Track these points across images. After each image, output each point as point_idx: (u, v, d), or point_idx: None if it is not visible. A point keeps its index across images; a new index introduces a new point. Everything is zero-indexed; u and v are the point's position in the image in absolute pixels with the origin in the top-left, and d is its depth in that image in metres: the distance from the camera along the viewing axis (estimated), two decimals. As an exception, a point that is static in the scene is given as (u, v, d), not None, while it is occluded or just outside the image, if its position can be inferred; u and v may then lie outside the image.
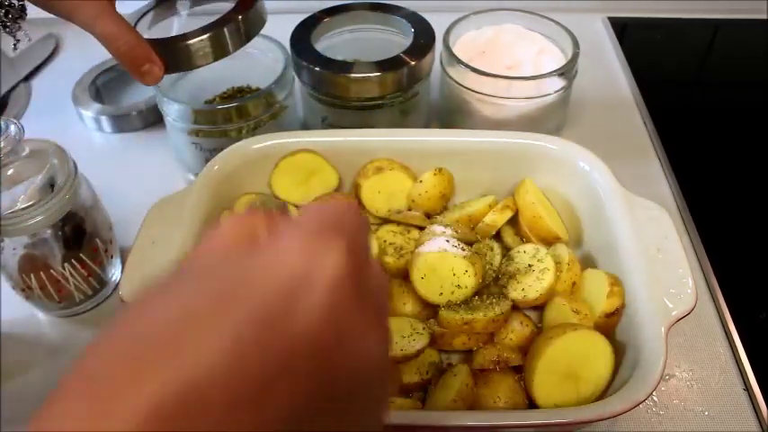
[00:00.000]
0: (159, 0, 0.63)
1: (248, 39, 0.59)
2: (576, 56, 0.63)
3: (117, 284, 0.58)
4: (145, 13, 0.62)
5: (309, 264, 0.23)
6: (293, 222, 0.26)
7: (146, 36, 0.58)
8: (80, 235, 0.53)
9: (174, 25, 0.64)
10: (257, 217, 0.26)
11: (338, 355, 0.22)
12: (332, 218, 0.26)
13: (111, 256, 0.57)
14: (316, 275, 0.22)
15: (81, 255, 0.53)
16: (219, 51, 0.57)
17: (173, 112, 0.61)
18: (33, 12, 0.92)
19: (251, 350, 0.20)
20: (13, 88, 0.80)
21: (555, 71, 0.62)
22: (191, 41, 0.55)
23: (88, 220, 0.53)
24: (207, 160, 0.62)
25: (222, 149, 0.57)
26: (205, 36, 0.56)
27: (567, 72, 0.62)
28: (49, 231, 0.50)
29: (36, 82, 0.82)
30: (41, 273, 0.51)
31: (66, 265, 0.52)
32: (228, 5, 0.60)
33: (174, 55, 0.56)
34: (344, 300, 0.23)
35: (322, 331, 0.22)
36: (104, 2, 0.51)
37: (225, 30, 0.57)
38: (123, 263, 0.58)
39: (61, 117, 0.76)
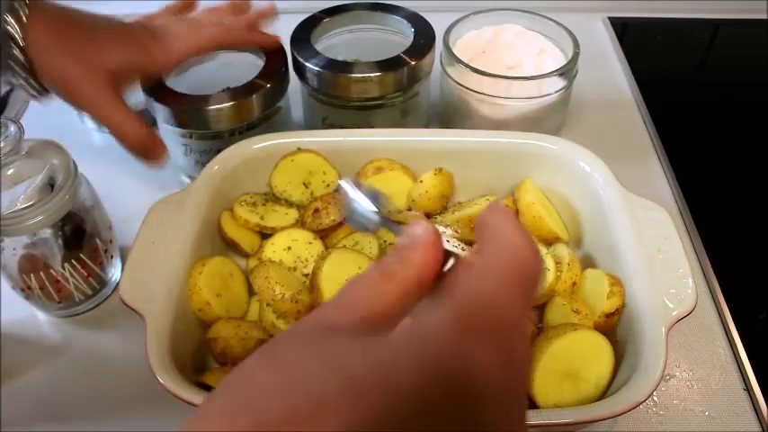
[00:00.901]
0: None
1: (273, 104, 0.61)
2: (576, 56, 0.63)
3: (117, 284, 0.58)
4: None
5: (462, 367, 0.21)
6: (440, 301, 0.23)
7: (170, 82, 0.59)
8: (80, 235, 0.53)
9: (201, 70, 0.65)
10: (392, 284, 0.24)
11: None
12: (491, 298, 0.23)
13: (111, 257, 0.57)
14: (469, 384, 0.20)
15: (81, 255, 0.53)
16: (245, 115, 0.59)
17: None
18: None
19: None
20: (13, 88, 0.80)
21: (555, 71, 0.62)
22: (216, 107, 0.57)
23: (88, 220, 0.53)
24: (198, 162, 0.62)
25: (214, 151, 0.57)
26: (230, 104, 0.57)
27: (567, 72, 0.62)
28: (49, 231, 0.50)
29: (36, 82, 0.82)
30: (41, 273, 0.51)
31: (66, 265, 0.52)
32: (254, 57, 0.63)
33: (197, 115, 0.58)
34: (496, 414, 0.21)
35: None
36: (109, 92, 0.52)
37: (253, 98, 0.58)
38: (123, 263, 0.58)
39: (61, 117, 0.76)
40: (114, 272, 0.58)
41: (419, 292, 0.25)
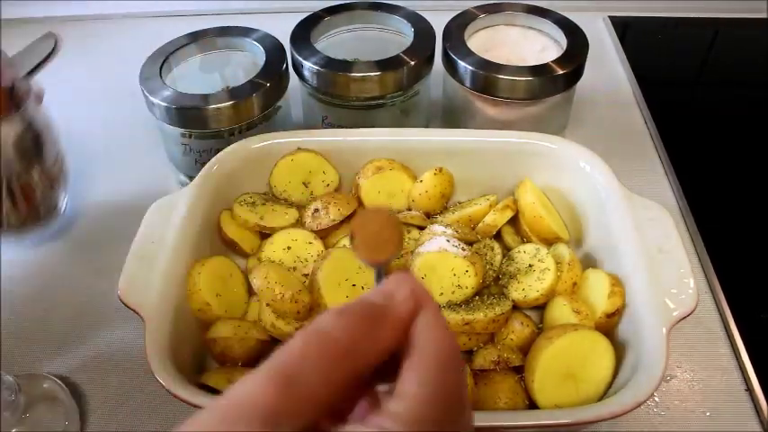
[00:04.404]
0: (191, 37, 0.65)
1: (273, 104, 0.61)
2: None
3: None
4: (174, 51, 0.63)
5: None
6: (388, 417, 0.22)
7: (169, 80, 0.59)
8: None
9: (200, 69, 0.66)
10: (347, 366, 0.22)
11: None
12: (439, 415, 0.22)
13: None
14: None
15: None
16: (244, 115, 0.59)
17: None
18: (32, 10, 0.92)
19: None
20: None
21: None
22: (216, 106, 0.57)
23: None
24: (197, 161, 0.62)
25: (213, 150, 0.57)
26: (230, 103, 0.57)
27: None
28: None
29: (35, 81, 0.82)
30: None
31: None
32: (254, 57, 0.63)
33: (196, 114, 0.58)
34: None
35: None
36: None
37: (252, 97, 0.58)
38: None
39: (61, 114, 0.76)
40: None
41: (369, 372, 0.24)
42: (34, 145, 0.53)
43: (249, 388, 0.21)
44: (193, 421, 0.21)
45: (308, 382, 0.21)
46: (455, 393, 0.23)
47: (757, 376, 0.50)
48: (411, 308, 0.24)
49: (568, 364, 0.44)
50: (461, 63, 0.62)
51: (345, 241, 0.55)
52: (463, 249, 0.50)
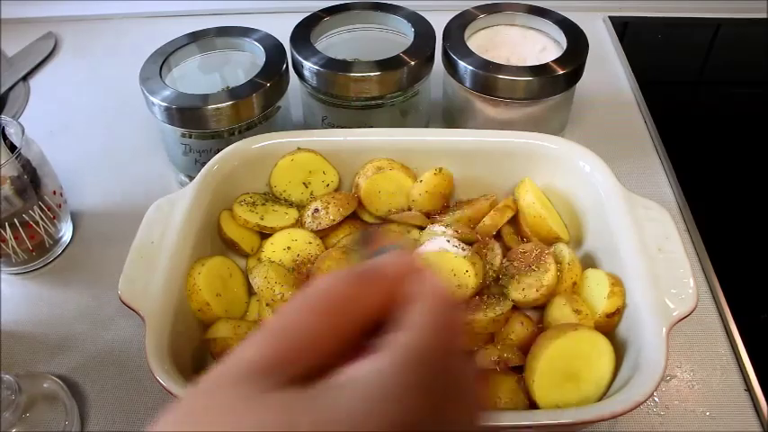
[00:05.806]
0: (191, 37, 0.65)
1: (273, 104, 0.61)
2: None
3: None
4: (174, 51, 0.64)
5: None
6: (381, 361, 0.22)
7: (169, 80, 0.59)
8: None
9: (200, 69, 0.66)
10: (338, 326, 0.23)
11: None
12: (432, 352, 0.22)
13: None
14: None
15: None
16: (244, 115, 0.59)
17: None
18: (32, 10, 0.92)
19: None
20: (12, 87, 0.80)
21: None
22: (216, 106, 0.57)
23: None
24: (197, 161, 0.62)
25: (213, 150, 0.57)
26: (230, 103, 0.57)
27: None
28: None
29: (35, 81, 0.82)
30: None
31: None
32: (254, 57, 0.63)
33: (196, 114, 0.58)
34: None
35: None
36: None
37: (252, 97, 0.58)
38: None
39: (60, 116, 0.76)
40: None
41: (359, 331, 0.24)
42: (32, 182, 0.55)
43: (248, 348, 0.22)
44: (206, 377, 0.22)
45: (300, 334, 0.22)
46: (457, 325, 0.24)
47: (757, 376, 0.50)
48: (400, 269, 0.24)
49: (568, 363, 0.44)
50: (461, 63, 0.62)
51: (345, 241, 0.55)
52: (463, 249, 0.50)
